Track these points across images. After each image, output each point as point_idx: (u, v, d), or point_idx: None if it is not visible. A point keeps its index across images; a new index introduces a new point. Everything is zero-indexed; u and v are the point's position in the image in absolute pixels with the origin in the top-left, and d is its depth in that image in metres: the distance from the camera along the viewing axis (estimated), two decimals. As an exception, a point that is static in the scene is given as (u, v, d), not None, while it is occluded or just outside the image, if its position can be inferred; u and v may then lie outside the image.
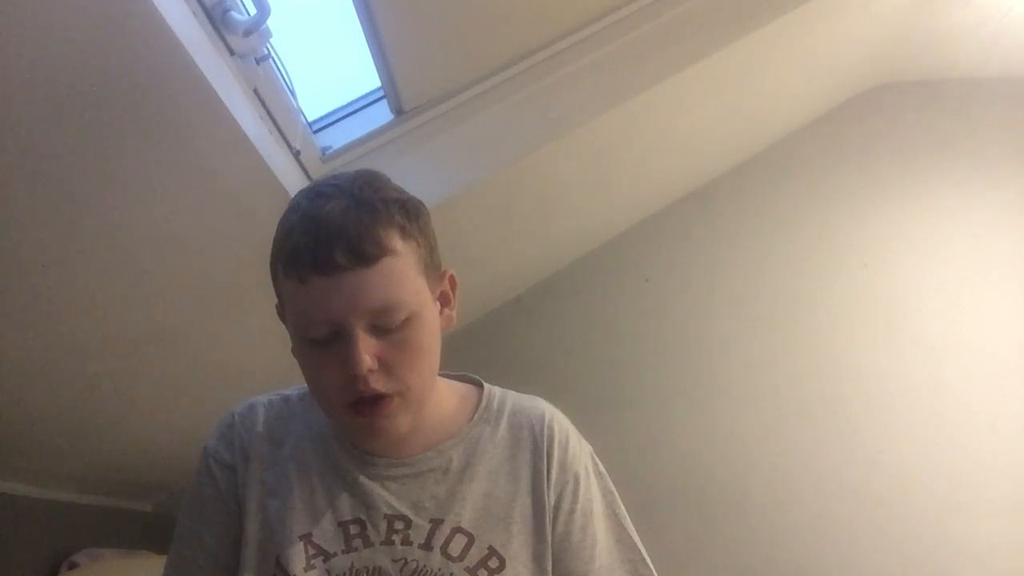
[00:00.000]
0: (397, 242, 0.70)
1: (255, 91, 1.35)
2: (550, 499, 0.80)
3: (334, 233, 0.67)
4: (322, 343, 0.70)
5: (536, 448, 0.82)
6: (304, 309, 0.70)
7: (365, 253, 0.68)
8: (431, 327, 0.75)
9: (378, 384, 0.70)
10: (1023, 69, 2.32)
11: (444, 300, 0.80)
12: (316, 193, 0.72)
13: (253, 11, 1.23)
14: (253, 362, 1.70)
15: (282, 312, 0.77)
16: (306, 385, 0.83)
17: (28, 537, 1.67)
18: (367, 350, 0.68)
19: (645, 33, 1.75)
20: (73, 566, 1.70)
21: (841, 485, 2.14)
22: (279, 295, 0.75)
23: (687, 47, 1.76)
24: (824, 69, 2.30)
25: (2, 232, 1.08)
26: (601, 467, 0.87)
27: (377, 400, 0.71)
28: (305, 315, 0.70)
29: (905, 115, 2.46)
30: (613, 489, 0.87)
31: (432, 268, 0.76)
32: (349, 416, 0.72)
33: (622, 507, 0.87)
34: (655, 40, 1.75)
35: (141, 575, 1.72)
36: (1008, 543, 2.00)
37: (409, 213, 0.73)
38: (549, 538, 0.79)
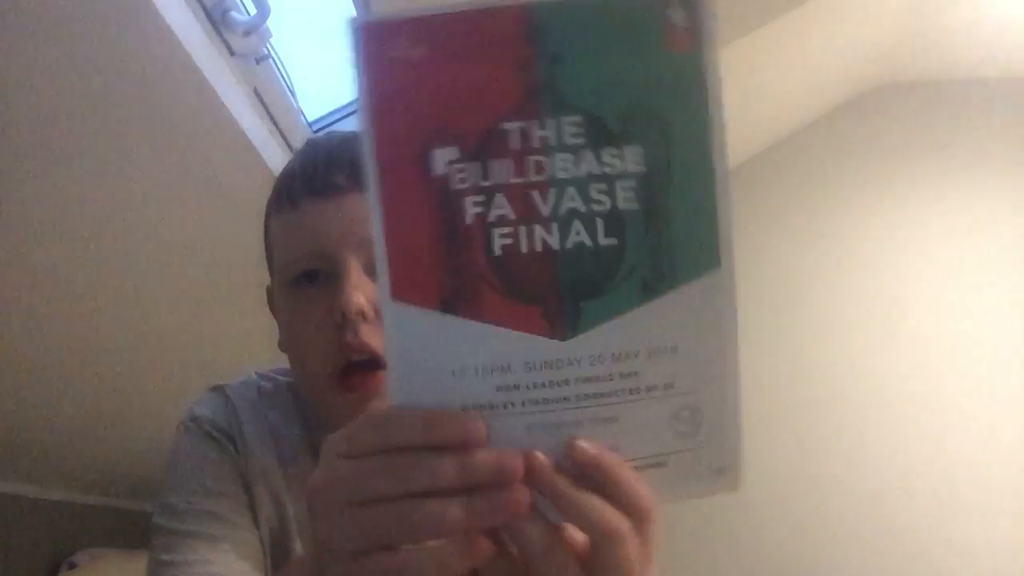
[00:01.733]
0: None
1: (255, 91, 1.35)
2: None
3: (334, 154, 0.60)
4: (310, 289, 0.59)
5: None
6: (293, 240, 0.59)
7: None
8: None
9: (370, 338, 0.56)
10: (1023, 69, 2.32)
11: None
12: (329, 132, 0.66)
13: (253, 11, 1.23)
14: (253, 362, 1.69)
15: (272, 299, 0.67)
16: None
17: (28, 537, 1.67)
18: (361, 289, 0.56)
19: (645, 33, 1.75)
20: (73, 566, 1.70)
21: (840, 484, 2.14)
22: (269, 251, 0.64)
23: (687, 47, 1.76)
24: (824, 69, 2.30)
25: (2, 232, 1.08)
26: None
27: (369, 368, 0.57)
28: (293, 248, 0.59)
29: (905, 115, 2.46)
30: None
31: None
32: (335, 390, 0.58)
33: None
34: (655, 40, 1.75)
35: (141, 575, 1.72)
36: (1008, 543, 2.00)
37: None
38: None
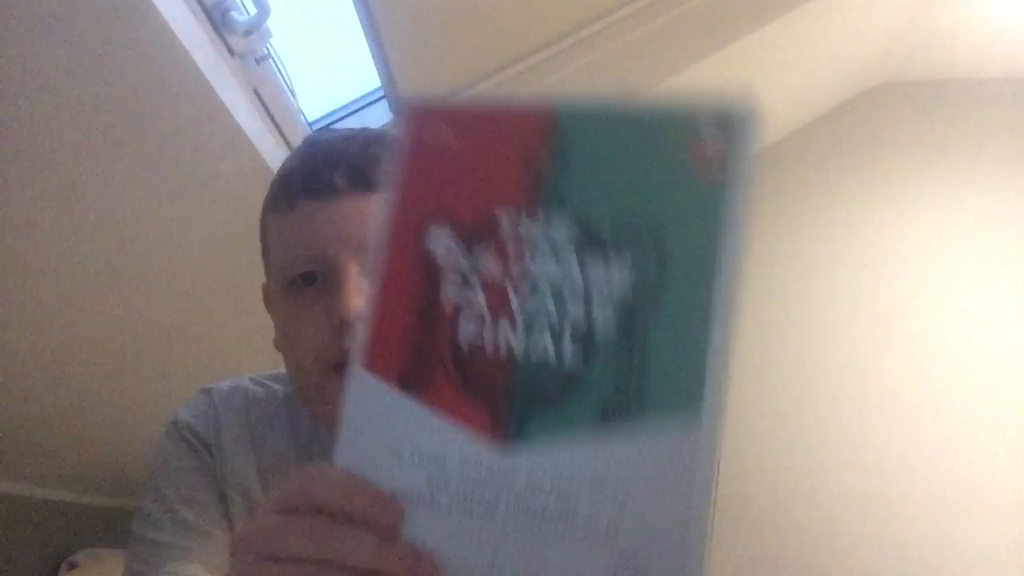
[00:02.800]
0: None
1: (255, 91, 1.35)
2: None
3: (335, 155, 0.59)
4: (306, 290, 0.58)
5: None
6: (289, 242, 0.59)
7: (367, 177, 0.58)
8: None
9: None
10: (1023, 69, 2.32)
11: None
12: (328, 129, 0.67)
13: (253, 11, 1.23)
14: (253, 362, 1.69)
15: (268, 297, 0.67)
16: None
17: (28, 537, 1.67)
18: (359, 293, 0.56)
19: (644, 34, 1.75)
20: (73, 566, 1.70)
21: (841, 484, 2.14)
22: (264, 249, 0.64)
23: (687, 47, 1.76)
24: (824, 69, 2.30)
25: (2, 232, 1.08)
26: None
27: None
28: (289, 249, 0.59)
29: (905, 115, 2.46)
30: None
31: None
32: (328, 379, 0.58)
33: None
34: (655, 40, 1.75)
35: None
36: (1008, 543, 2.00)
37: None
38: None
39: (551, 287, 0.34)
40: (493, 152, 0.36)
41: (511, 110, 0.37)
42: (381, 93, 1.65)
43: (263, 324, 0.69)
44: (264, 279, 0.67)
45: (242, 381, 0.73)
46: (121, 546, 1.91)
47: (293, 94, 1.45)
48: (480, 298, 0.35)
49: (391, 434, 0.35)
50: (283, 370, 0.68)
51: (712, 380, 0.33)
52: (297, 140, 1.47)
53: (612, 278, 0.34)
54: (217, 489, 0.65)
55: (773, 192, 2.45)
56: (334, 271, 0.57)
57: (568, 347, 0.34)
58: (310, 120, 1.62)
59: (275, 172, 1.34)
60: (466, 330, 0.35)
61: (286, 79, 1.43)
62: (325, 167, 0.58)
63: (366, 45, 1.48)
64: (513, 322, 0.34)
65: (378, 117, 1.65)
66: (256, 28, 1.24)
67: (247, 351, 1.68)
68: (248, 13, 1.24)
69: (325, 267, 0.57)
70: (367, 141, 0.60)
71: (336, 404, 0.54)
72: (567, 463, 0.33)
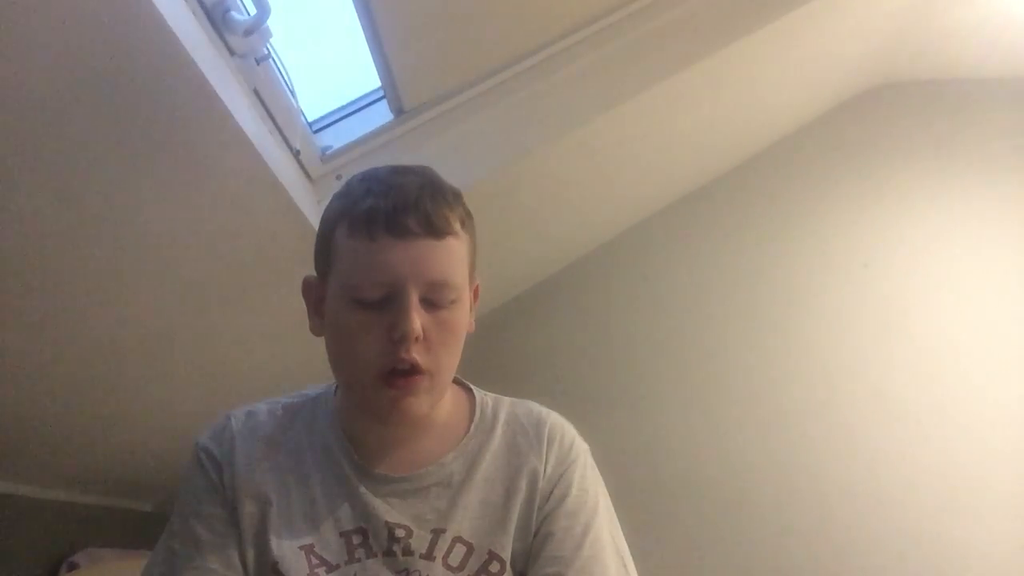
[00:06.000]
0: (459, 227, 0.76)
1: (255, 91, 1.35)
2: (545, 490, 0.80)
3: (411, 202, 0.72)
4: (371, 307, 0.72)
5: (533, 449, 0.82)
6: (366, 268, 0.72)
7: (436, 226, 0.72)
8: (465, 318, 0.79)
9: (418, 356, 0.72)
10: (1023, 69, 2.32)
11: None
12: (393, 169, 0.77)
13: (253, 11, 1.23)
14: (251, 362, 1.70)
15: (311, 286, 0.80)
16: (306, 389, 0.86)
17: (28, 537, 1.67)
18: (418, 317, 0.71)
19: (645, 33, 1.75)
20: (73, 566, 1.70)
21: (840, 485, 2.14)
22: (329, 258, 0.76)
23: (687, 47, 1.76)
24: (824, 69, 2.30)
25: (2, 232, 1.08)
26: (597, 473, 0.86)
27: (410, 374, 0.72)
28: (365, 274, 0.72)
29: (905, 115, 2.46)
30: (606, 493, 0.86)
31: (473, 267, 0.81)
32: (378, 386, 0.73)
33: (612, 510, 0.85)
34: (655, 40, 1.75)
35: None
36: (1008, 543, 2.00)
37: (467, 210, 0.79)
38: (534, 526, 0.79)
39: None
40: None
41: None
42: (381, 93, 1.65)
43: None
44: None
45: (258, 406, 0.86)
46: (121, 546, 1.91)
47: (293, 94, 1.45)
48: None
49: None
50: (287, 386, 0.83)
51: None
52: (297, 140, 1.48)
53: None
54: (226, 501, 0.77)
55: (773, 192, 2.45)
56: (401, 297, 0.71)
57: None
58: (310, 120, 1.62)
59: (275, 172, 1.34)
60: None
61: (286, 79, 1.43)
62: (404, 211, 0.71)
63: (366, 45, 1.48)
64: None
65: (378, 117, 1.65)
66: (256, 28, 1.24)
67: (246, 351, 1.69)
68: (248, 13, 1.25)
69: (393, 291, 0.72)
70: (434, 193, 0.74)
71: (381, 402, 0.74)
72: None
